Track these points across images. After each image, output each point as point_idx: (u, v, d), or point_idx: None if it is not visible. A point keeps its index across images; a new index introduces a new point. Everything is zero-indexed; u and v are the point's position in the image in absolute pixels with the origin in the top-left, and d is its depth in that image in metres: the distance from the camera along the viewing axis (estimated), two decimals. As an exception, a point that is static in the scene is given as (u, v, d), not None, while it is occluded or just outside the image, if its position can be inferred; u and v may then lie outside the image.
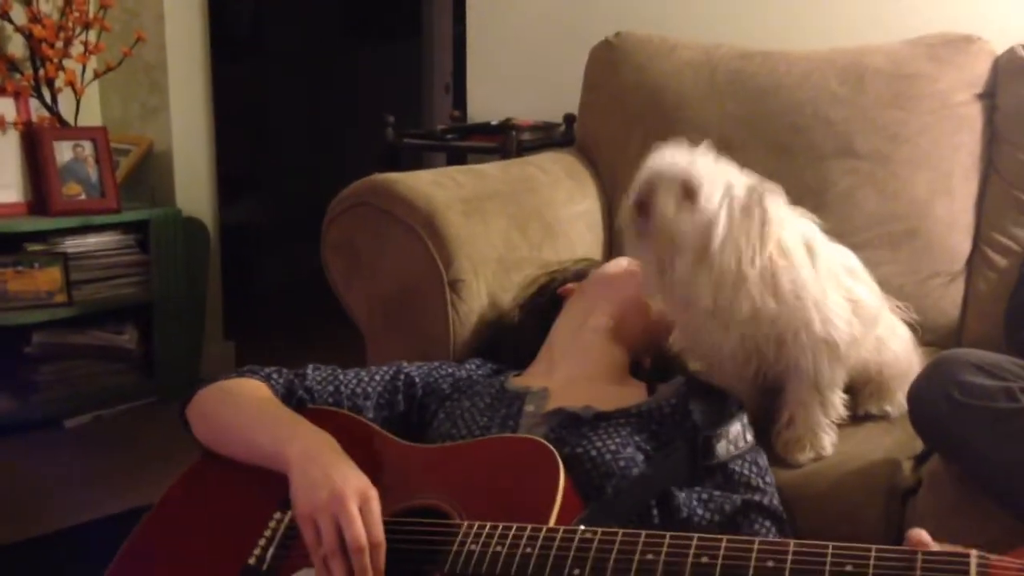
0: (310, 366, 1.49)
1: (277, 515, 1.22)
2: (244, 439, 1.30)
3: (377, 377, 1.50)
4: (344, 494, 1.11)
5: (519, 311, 1.79)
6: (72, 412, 3.01)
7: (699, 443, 1.33)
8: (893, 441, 1.53)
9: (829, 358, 1.44)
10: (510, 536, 1.06)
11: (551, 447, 1.19)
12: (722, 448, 1.33)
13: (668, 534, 1.02)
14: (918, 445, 1.49)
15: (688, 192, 1.35)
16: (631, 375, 1.60)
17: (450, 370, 1.57)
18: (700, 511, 1.29)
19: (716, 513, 1.30)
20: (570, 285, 1.73)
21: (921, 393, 1.35)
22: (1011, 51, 2.05)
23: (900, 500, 1.44)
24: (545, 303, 1.74)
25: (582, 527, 1.06)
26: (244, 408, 1.34)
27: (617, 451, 1.29)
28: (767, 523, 1.33)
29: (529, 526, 1.06)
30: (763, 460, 1.39)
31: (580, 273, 1.76)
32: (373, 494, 1.13)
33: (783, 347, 1.42)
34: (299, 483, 1.16)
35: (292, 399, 1.42)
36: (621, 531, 1.03)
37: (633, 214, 1.38)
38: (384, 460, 1.24)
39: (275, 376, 1.44)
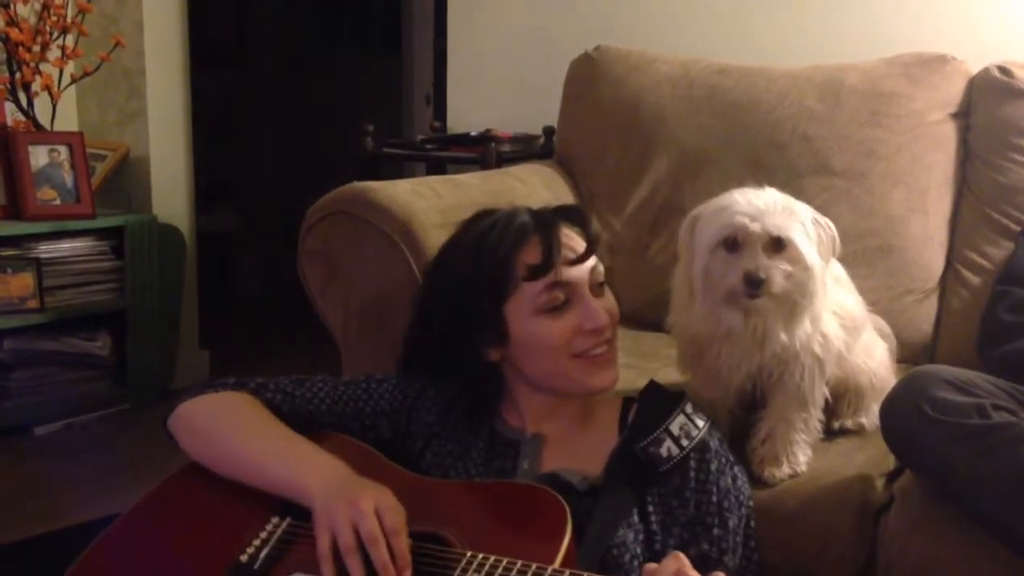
0: (295, 380, 1.45)
1: (275, 519, 1.24)
2: (254, 467, 1.28)
3: (364, 396, 1.45)
4: (359, 498, 1.15)
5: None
6: (43, 419, 2.97)
7: (641, 458, 1.30)
8: (866, 458, 1.53)
9: (819, 375, 1.47)
10: (514, 571, 1.08)
11: (563, 502, 1.18)
12: (664, 450, 1.31)
13: None
14: (891, 462, 1.50)
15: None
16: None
17: (437, 396, 1.44)
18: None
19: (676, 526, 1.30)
20: (493, 352, 1.38)
21: (893, 408, 1.36)
22: (985, 71, 2.07)
23: (872, 517, 1.44)
24: (475, 371, 1.41)
25: (584, 572, 1.09)
26: (250, 432, 1.33)
27: (610, 536, 1.27)
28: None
29: (534, 564, 1.09)
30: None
31: (496, 333, 1.36)
32: (388, 494, 1.17)
33: (787, 365, 1.44)
34: (322, 508, 1.17)
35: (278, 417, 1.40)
36: None
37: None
38: (393, 484, 1.23)
39: (262, 392, 1.41)
